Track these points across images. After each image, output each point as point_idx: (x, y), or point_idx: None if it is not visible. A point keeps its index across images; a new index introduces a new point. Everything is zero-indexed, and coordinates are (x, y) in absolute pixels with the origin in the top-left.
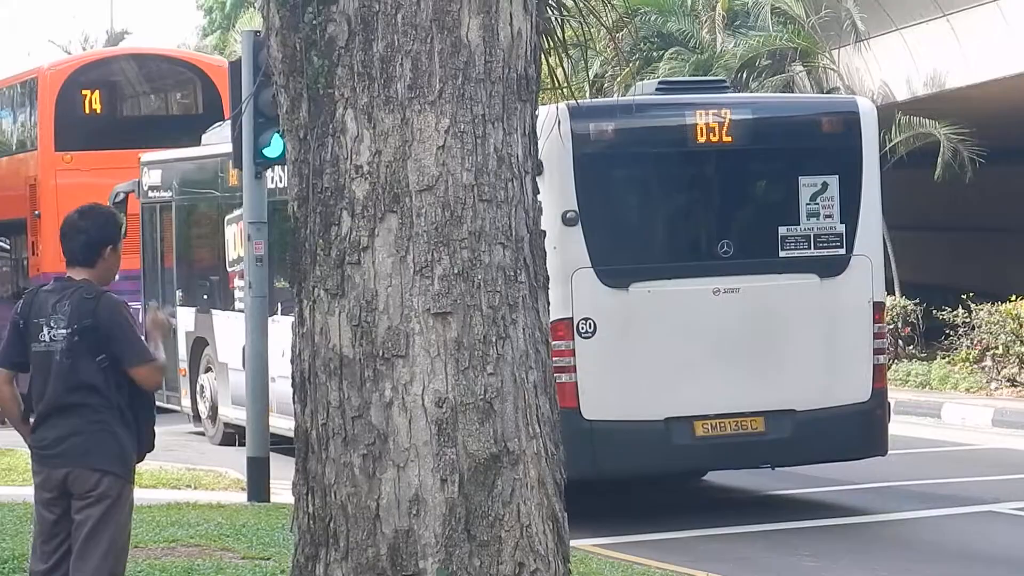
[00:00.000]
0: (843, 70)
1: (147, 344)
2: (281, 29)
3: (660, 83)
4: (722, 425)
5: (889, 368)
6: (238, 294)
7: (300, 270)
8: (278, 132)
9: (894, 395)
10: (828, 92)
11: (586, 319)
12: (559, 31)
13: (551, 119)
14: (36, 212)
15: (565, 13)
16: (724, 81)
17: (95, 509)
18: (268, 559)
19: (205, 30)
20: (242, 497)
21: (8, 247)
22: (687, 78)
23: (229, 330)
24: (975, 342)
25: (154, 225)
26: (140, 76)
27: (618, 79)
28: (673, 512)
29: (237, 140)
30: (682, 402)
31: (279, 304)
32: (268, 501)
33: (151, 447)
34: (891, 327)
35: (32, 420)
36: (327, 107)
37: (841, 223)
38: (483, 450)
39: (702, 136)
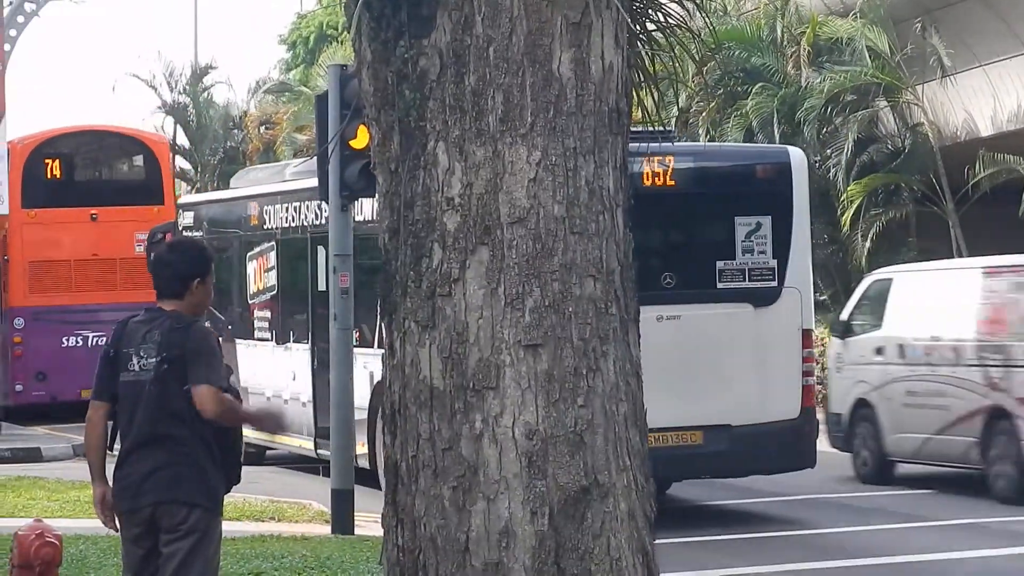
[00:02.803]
0: (927, 106)
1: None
2: (373, 63)
3: None
4: (664, 438)
5: None
6: (258, 324)
7: (390, 302)
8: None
9: None
10: (913, 128)
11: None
12: (649, 64)
13: None
14: (5, 257)
15: (655, 47)
16: (671, 131)
17: (184, 543)
18: None
19: (288, 64)
20: (326, 529)
21: None
22: (635, 129)
23: (249, 358)
24: None
25: None
26: (93, 148)
27: (704, 113)
28: (756, 547)
29: (323, 173)
30: None
31: (290, 332)
32: (352, 533)
33: (238, 480)
34: None
35: (118, 454)
36: (419, 140)
37: (773, 258)
38: (573, 483)
39: (648, 180)
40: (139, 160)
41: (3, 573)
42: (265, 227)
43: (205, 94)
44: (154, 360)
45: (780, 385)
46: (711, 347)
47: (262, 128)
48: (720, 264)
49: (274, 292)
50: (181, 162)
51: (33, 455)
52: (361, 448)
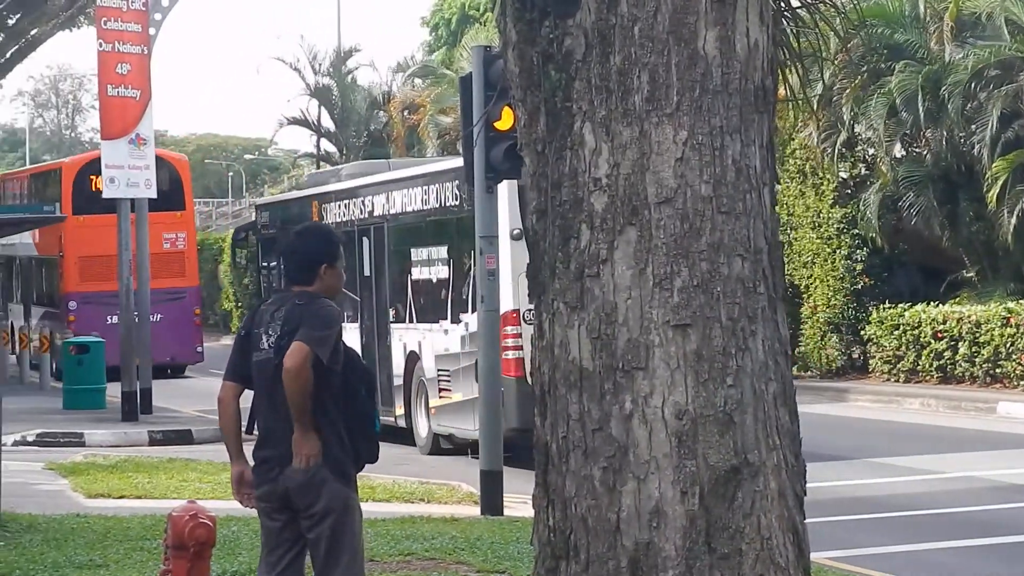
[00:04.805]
0: None
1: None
2: (518, 43)
3: None
4: None
5: None
6: None
7: (539, 283)
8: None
9: None
10: None
11: (530, 309)
12: (793, 42)
13: None
14: (61, 253)
15: (800, 24)
16: None
17: (324, 526)
18: (503, 572)
19: (431, 46)
20: (475, 510)
21: None
22: None
23: None
24: None
25: (266, 253)
26: None
27: (847, 90)
28: (901, 526)
29: (469, 155)
30: None
31: (343, 314)
32: (502, 514)
33: (372, 458)
34: None
35: (256, 436)
36: (565, 120)
37: None
38: (723, 462)
39: None
40: (164, 175)
41: (158, 553)
42: (323, 222)
43: (349, 77)
44: (277, 336)
45: None
46: None
47: (405, 112)
48: None
49: None
50: (326, 145)
51: (184, 437)
52: (399, 410)
